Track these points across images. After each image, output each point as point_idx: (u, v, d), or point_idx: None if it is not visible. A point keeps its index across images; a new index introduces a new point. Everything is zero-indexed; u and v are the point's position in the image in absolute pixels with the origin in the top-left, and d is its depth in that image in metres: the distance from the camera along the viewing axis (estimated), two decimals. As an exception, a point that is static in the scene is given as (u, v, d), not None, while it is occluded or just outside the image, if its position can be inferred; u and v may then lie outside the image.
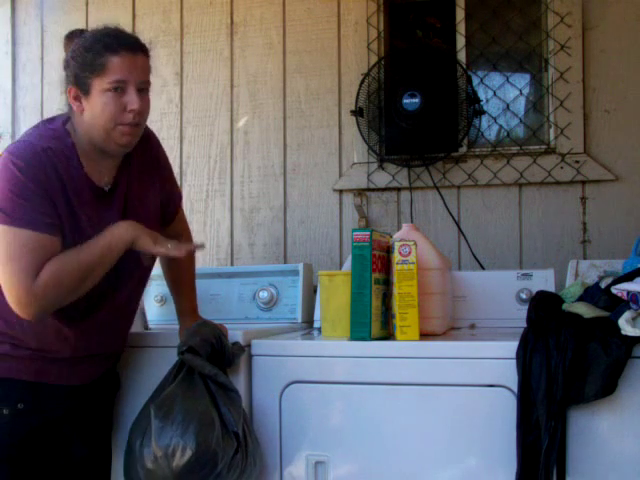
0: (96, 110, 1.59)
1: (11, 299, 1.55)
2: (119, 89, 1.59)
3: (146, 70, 1.65)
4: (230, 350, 1.77)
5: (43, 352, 1.66)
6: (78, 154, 1.64)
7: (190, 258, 1.91)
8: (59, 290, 1.56)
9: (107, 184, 1.70)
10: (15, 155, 1.57)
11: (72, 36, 1.71)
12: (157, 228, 1.77)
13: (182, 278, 1.94)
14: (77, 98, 1.62)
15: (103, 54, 1.58)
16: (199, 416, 1.63)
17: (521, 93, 2.74)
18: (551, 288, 2.12)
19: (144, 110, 1.64)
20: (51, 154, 1.59)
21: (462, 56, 2.75)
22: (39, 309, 1.56)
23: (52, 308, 1.59)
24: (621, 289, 1.72)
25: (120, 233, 1.62)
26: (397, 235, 1.98)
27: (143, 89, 1.64)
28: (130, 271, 1.74)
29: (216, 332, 1.76)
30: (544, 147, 2.68)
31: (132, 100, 1.60)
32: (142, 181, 1.78)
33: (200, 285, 2.42)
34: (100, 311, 1.71)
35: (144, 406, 1.73)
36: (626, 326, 1.58)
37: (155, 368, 1.84)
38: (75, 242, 1.61)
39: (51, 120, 1.70)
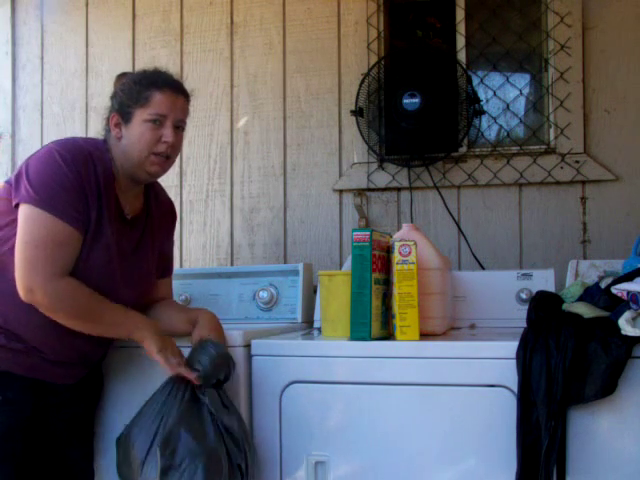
0: (134, 137, 1.73)
1: (20, 280, 1.59)
2: (158, 122, 1.73)
3: (185, 111, 1.80)
4: (230, 377, 1.75)
5: (36, 350, 1.69)
6: (112, 170, 1.75)
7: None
8: (64, 306, 1.62)
9: (127, 214, 1.79)
10: (61, 147, 1.66)
11: (122, 76, 1.85)
12: (154, 278, 1.91)
13: (173, 305, 1.99)
14: (118, 125, 1.76)
15: (149, 88, 1.73)
16: (207, 454, 1.61)
17: (521, 93, 2.74)
18: (551, 288, 2.12)
19: (177, 145, 1.78)
20: (94, 158, 1.70)
21: (462, 56, 2.75)
22: (39, 302, 1.60)
23: (47, 310, 1.62)
24: (621, 289, 1.72)
25: (132, 326, 1.70)
26: (397, 235, 1.98)
27: (179, 127, 1.78)
28: (130, 295, 1.81)
29: (227, 368, 1.73)
30: (544, 147, 2.68)
31: (168, 133, 1.73)
32: (155, 235, 1.89)
33: (200, 285, 2.45)
34: None
35: (139, 416, 1.71)
36: (626, 326, 1.57)
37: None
38: (91, 249, 1.68)
39: (93, 139, 1.81)
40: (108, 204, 1.71)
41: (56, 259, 1.59)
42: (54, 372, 1.73)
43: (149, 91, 1.73)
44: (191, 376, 1.67)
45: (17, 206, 1.63)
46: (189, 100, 1.83)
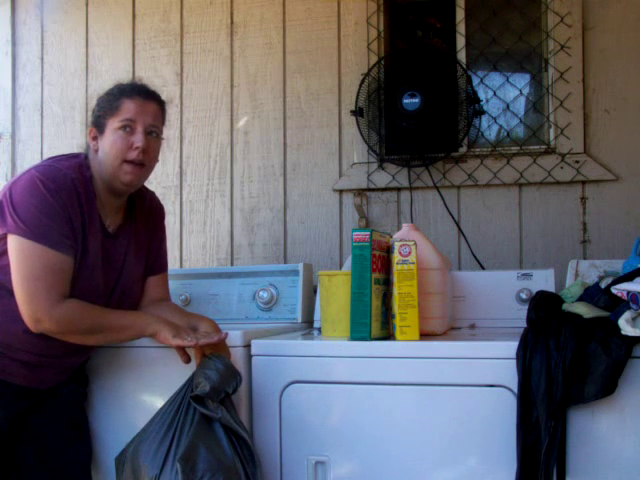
0: (107, 147, 1.75)
1: (26, 313, 1.64)
2: (128, 128, 1.75)
3: (157, 116, 1.81)
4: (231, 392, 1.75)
5: (9, 349, 1.70)
6: (94, 189, 1.77)
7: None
8: (72, 327, 1.67)
9: (109, 226, 1.82)
10: (45, 176, 1.67)
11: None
12: (142, 282, 1.93)
13: (173, 310, 1.96)
14: (94, 138, 1.80)
15: (119, 97, 1.77)
16: (226, 469, 1.60)
17: (521, 93, 2.74)
18: (551, 288, 2.12)
19: (149, 149, 1.78)
20: (77, 184, 1.71)
21: (462, 56, 2.75)
22: (48, 329, 1.65)
23: (58, 335, 1.68)
24: (621, 289, 1.72)
25: (143, 324, 1.74)
26: (397, 235, 1.98)
27: (152, 133, 1.80)
28: (123, 298, 1.86)
29: (234, 381, 1.72)
30: (544, 147, 2.68)
31: (138, 139, 1.75)
32: (141, 238, 1.91)
33: (200, 285, 2.45)
34: None
35: (153, 422, 1.71)
36: (626, 326, 1.57)
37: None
38: (79, 270, 1.71)
39: (75, 155, 1.82)
40: (91, 225, 1.74)
41: (54, 287, 1.64)
42: (26, 375, 1.73)
43: (119, 100, 1.77)
44: (213, 340, 1.71)
45: (5, 234, 1.67)
46: (163, 107, 1.85)
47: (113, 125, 1.75)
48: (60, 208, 1.66)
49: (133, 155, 1.75)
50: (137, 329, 1.74)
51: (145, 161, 1.78)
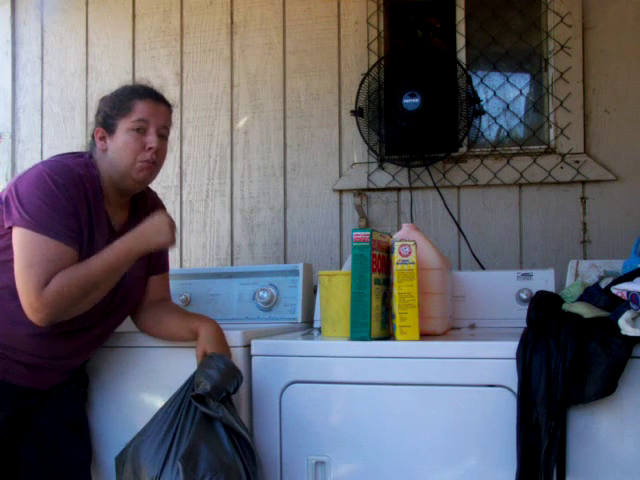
0: (119, 147, 1.75)
1: (24, 303, 1.61)
2: (141, 130, 1.76)
3: (167, 119, 1.83)
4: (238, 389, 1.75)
5: (11, 351, 1.69)
6: (101, 186, 1.77)
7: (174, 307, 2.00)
8: (65, 300, 1.62)
9: (115, 224, 1.82)
10: (53, 171, 1.67)
11: (104, 98, 1.89)
12: (144, 281, 1.92)
13: (174, 310, 1.95)
14: (103, 138, 1.79)
15: (131, 98, 1.78)
16: (227, 468, 1.60)
17: (521, 93, 2.74)
18: (551, 288, 2.12)
19: (161, 151, 1.80)
20: (84, 180, 1.72)
21: (462, 56, 2.75)
22: (48, 316, 1.62)
23: (61, 316, 1.65)
24: (621, 289, 1.72)
25: (127, 247, 1.69)
26: (397, 235, 1.98)
27: (162, 135, 1.81)
28: (125, 298, 1.84)
29: (235, 380, 1.72)
30: (544, 147, 2.68)
31: (151, 139, 1.76)
32: None
33: (200, 285, 2.45)
34: (88, 332, 1.78)
35: (155, 421, 1.71)
36: (626, 326, 1.58)
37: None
38: None
39: (80, 154, 1.82)
40: (98, 221, 1.74)
41: (46, 273, 1.60)
42: (27, 376, 1.73)
43: (131, 101, 1.77)
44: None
45: (10, 227, 1.65)
46: (171, 110, 1.86)
47: (125, 125, 1.75)
48: (67, 202, 1.65)
49: (147, 156, 1.76)
50: (128, 254, 1.68)
51: (157, 161, 1.79)
